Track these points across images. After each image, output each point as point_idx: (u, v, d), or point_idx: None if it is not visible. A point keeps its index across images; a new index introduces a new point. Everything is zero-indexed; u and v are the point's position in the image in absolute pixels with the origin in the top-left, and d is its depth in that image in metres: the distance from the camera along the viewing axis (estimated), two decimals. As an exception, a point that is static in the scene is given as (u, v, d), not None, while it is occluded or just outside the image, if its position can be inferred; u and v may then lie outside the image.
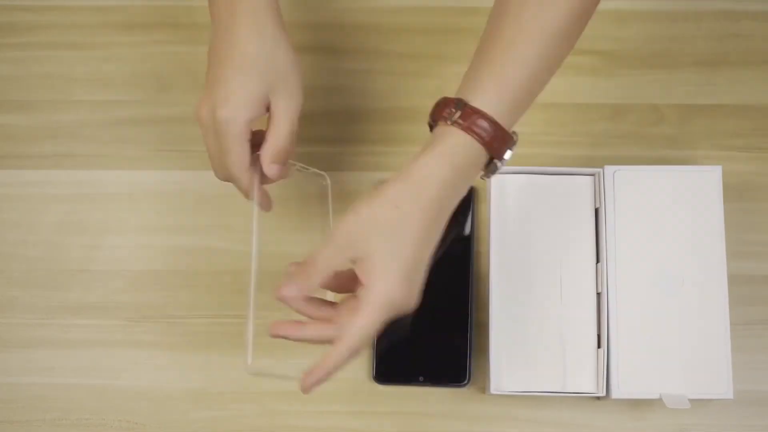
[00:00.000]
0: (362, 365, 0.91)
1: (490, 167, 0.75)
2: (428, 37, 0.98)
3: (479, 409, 0.91)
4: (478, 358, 0.91)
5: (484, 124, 0.71)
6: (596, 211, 0.91)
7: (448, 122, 0.72)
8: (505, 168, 0.90)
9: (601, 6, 0.83)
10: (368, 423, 0.91)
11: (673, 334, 0.87)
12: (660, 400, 0.86)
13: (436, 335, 0.91)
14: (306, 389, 0.70)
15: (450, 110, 0.72)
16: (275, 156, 0.78)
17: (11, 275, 0.94)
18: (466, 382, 0.90)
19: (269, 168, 0.78)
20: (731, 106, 0.96)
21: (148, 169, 0.95)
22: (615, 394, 0.86)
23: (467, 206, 0.93)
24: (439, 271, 0.91)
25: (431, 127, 0.74)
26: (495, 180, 0.90)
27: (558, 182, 0.91)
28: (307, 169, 0.87)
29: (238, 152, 0.76)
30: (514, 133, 0.74)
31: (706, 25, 0.98)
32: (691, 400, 0.85)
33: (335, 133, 0.96)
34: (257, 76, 0.76)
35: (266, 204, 0.82)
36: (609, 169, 0.90)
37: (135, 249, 0.94)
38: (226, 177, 0.79)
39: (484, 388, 0.91)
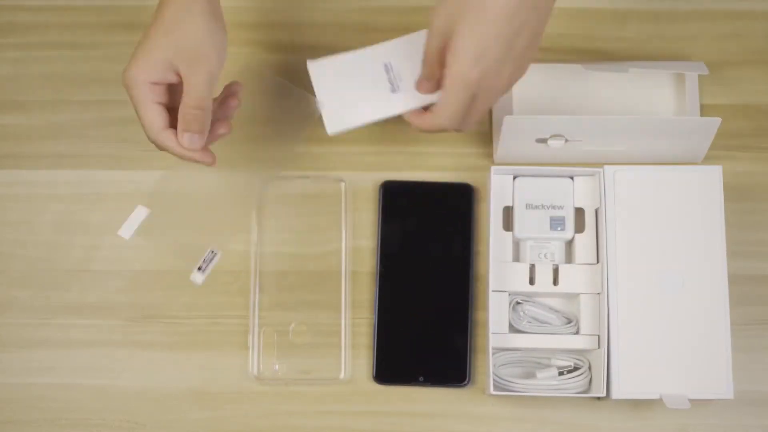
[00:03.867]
0: (362, 365, 0.91)
1: None
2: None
3: (479, 409, 0.91)
4: (477, 358, 0.91)
5: None
6: (596, 211, 0.91)
7: None
8: (504, 168, 0.91)
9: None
10: (368, 423, 0.91)
11: (673, 334, 0.87)
12: (660, 400, 0.86)
13: (436, 335, 0.91)
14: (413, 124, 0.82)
15: None
16: (183, 124, 0.79)
17: (11, 275, 0.94)
18: (466, 382, 0.90)
19: (180, 136, 0.80)
20: (731, 106, 0.96)
21: (148, 169, 0.95)
22: (615, 394, 0.86)
23: (467, 206, 0.93)
24: (438, 271, 0.92)
25: None
26: (495, 180, 0.90)
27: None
28: (324, 176, 0.91)
29: (145, 113, 0.79)
30: None
31: (707, 25, 0.98)
32: (692, 400, 0.85)
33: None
34: (163, 41, 0.78)
35: (208, 158, 0.82)
36: (609, 169, 0.90)
37: (135, 249, 0.94)
38: (151, 141, 0.81)
39: (484, 388, 0.91)
